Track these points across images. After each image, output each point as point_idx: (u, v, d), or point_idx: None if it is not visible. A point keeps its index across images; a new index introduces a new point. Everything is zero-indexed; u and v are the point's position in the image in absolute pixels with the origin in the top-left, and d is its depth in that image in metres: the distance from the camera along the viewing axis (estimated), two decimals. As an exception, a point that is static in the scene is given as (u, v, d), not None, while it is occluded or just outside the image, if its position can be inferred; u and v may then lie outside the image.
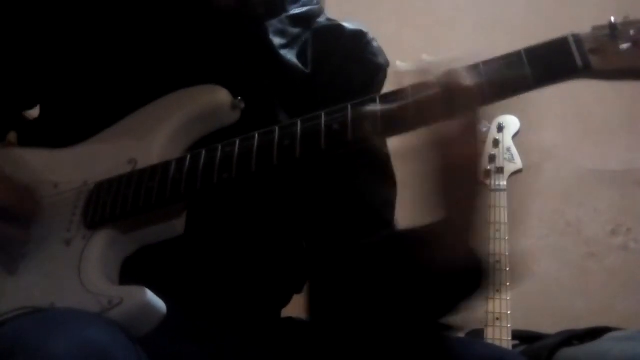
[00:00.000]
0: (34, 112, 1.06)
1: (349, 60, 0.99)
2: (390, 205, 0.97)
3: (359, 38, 1.01)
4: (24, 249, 0.84)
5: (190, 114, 0.87)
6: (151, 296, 0.73)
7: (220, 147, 0.78)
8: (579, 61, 0.67)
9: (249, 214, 0.92)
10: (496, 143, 1.73)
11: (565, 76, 0.68)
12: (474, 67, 0.70)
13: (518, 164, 1.72)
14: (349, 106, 0.73)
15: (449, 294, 0.80)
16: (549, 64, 0.68)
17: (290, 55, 0.96)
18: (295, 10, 1.00)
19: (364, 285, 0.86)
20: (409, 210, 0.78)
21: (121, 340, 0.66)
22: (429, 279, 0.78)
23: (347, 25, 1.02)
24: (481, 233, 0.77)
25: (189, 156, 0.80)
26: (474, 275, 0.78)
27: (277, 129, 0.76)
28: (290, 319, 1.00)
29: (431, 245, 0.75)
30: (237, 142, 0.77)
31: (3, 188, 0.84)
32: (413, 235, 0.80)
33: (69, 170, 0.90)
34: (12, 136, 1.07)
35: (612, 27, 0.68)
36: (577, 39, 0.68)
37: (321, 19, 1.02)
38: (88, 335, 0.63)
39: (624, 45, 0.67)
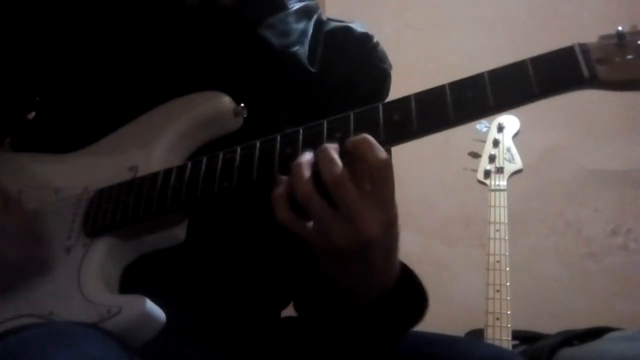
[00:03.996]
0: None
1: (357, 65, 0.98)
2: None
3: (366, 42, 1.00)
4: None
5: (193, 121, 0.86)
6: (150, 305, 0.72)
7: (221, 156, 0.77)
8: (585, 72, 0.65)
9: (249, 218, 0.91)
10: (496, 143, 1.73)
11: (571, 87, 0.67)
12: (480, 78, 0.69)
13: (518, 164, 1.71)
14: (352, 114, 0.73)
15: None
16: (554, 74, 0.67)
17: (300, 51, 0.95)
18: (296, 5, 1.00)
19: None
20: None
21: (123, 356, 0.66)
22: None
23: (355, 27, 1.01)
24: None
25: (189, 164, 0.79)
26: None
27: (278, 137, 0.75)
28: (290, 318, 1.00)
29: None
30: (238, 150, 0.76)
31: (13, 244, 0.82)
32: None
33: (70, 176, 0.89)
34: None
35: (620, 36, 0.66)
36: (584, 48, 0.67)
37: (322, 17, 1.02)
38: (89, 352, 0.63)
39: (632, 56, 0.65)
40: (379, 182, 0.68)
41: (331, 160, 0.68)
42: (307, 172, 0.69)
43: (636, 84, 0.66)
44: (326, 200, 0.68)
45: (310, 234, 0.70)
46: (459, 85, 0.70)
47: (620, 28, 0.67)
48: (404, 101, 0.72)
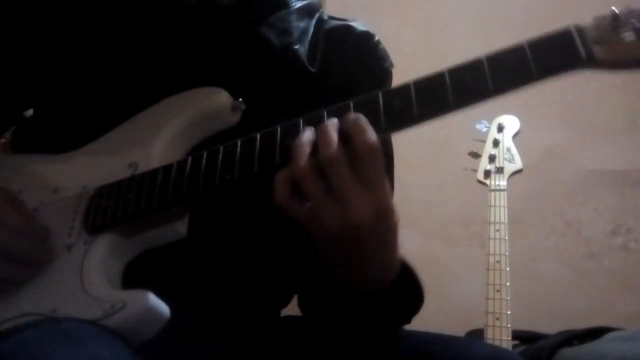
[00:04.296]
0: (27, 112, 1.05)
1: (357, 64, 0.98)
2: None
3: (367, 40, 1.00)
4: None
5: (191, 117, 0.86)
6: (154, 300, 0.72)
7: (221, 149, 0.77)
8: (582, 52, 0.67)
9: (250, 215, 0.91)
10: (496, 143, 1.73)
11: (569, 67, 0.68)
12: (478, 63, 0.70)
13: (518, 164, 1.71)
14: (352, 104, 0.73)
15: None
16: (552, 55, 0.68)
17: (300, 51, 0.95)
18: (298, 4, 1.00)
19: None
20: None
21: (125, 355, 0.66)
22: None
23: (356, 25, 1.01)
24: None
25: (190, 158, 0.79)
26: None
27: (278, 128, 0.75)
28: (290, 317, 1.00)
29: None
30: (239, 143, 0.77)
31: (14, 231, 0.81)
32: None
33: (69, 175, 0.89)
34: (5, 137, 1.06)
35: (614, 17, 0.68)
36: (580, 29, 0.68)
37: (323, 15, 1.02)
38: (91, 351, 0.63)
39: (627, 35, 0.67)
40: (365, 165, 0.68)
41: (328, 139, 0.69)
42: (306, 150, 0.69)
43: (632, 63, 0.68)
44: (322, 181, 0.69)
45: (305, 216, 0.70)
46: (457, 70, 0.71)
47: (614, 9, 0.68)
48: (403, 88, 0.72)
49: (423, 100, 0.70)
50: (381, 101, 0.72)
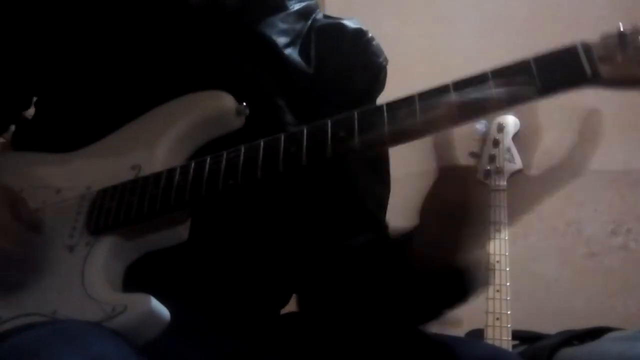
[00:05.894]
0: (29, 112, 1.05)
1: (351, 60, 0.99)
2: (383, 206, 0.98)
3: (359, 37, 1.00)
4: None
5: (195, 120, 0.87)
6: (155, 304, 0.72)
7: (225, 154, 0.78)
8: (588, 70, 0.66)
9: (251, 218, 0.91)
10: (496, 143, 1.73)
11: (574, 85, 0.67)
12: (483, 77, 0.69)
13: (518, 164, 1.71)
14: (356, 113, 0.73)
15: (429, 300, 0.80)
16: (557, 73, 0.67)
17: (294, 54, 0.96)
18: (296, 6, 1.00)
19: (349, 286, 0.87)
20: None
21: (129, 354, 0.66)
22: (408, 283, 0.79)
23: (348, 23, 1.01)
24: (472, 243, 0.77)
25: (193, 163, 0.79)
26: (454, 284, 0.79)
27: (282, 135, 0.76)
28: (289, 314, 1.00)
29: (408, 251, 0.77)
30: (242, 149, 0.77)
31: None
32: (393, 241, 0.80)
33: (72, 175, 0.89)
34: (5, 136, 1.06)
35: (621, 35, 0.67)
36: (586, 47, 0.67)
37: (319, 16, 1.02)
38: (97, 350, 0.63)
39: (633, 54, 0.66)
40: None
41: None
42: None
43: (638, 83, 0.67)
44: None
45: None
46: (462, 84, 0.70)
47: (621, 26, 0.67)
48: (408, 100, 0.72)
49: (427, 113, 0.70)
50: (385, 113, 0.72)
